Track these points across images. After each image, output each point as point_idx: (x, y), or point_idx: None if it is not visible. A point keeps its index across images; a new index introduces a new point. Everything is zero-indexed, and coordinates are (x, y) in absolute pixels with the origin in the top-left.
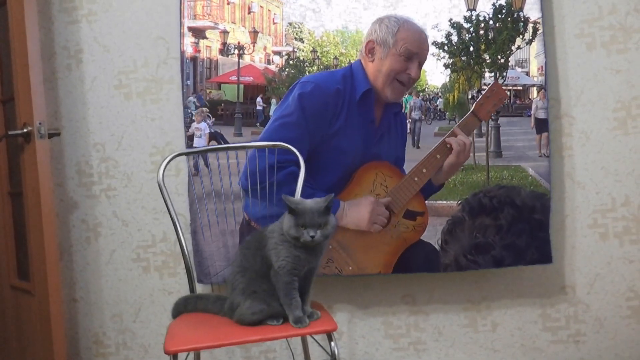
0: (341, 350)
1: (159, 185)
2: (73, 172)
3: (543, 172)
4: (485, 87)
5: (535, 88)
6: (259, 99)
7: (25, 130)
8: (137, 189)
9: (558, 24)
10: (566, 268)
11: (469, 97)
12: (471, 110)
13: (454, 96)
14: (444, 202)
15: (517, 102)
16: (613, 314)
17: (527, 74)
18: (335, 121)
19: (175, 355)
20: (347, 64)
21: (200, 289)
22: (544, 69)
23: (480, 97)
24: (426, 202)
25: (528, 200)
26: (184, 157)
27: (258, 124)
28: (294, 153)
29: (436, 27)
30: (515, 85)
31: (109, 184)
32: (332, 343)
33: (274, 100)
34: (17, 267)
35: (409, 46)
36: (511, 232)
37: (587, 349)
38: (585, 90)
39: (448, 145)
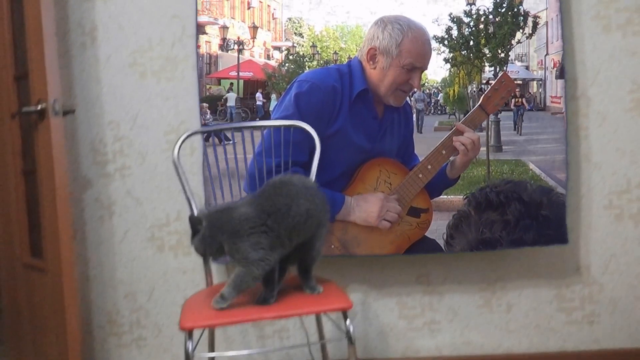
0: (355, 330)
1: (174, 164)
2: (87, 151)
3: (544, 166)
4: (490, 82)
5: (535, 82)
6: (258, 94)
7: (39, 107)
8: (152, 167)
9: (575, 6)
10: (581, 249)
11: (470, 91)
12: (478, 103)
13: (454, 90)
14: (445, 197)
15: None
16: (627, 295)
17: (527, 68)
18: (336, 119)
19: (191, 331)
20: (347, 59)
21: (214, 268)
22: (560, 56)
23: (488, 89)
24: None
25: (535, 195)
26: (198, 136)
27: (258, 119)
28: (301, 154)
29: (436, 21)
30: (515, 79)
31: (123, 163)
32: (347, 321)
33: (274, 96)
34: (30, 245)
35: (413, 61)
36: (518, 228)
37: (601, 329)
38: (602, 71)
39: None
